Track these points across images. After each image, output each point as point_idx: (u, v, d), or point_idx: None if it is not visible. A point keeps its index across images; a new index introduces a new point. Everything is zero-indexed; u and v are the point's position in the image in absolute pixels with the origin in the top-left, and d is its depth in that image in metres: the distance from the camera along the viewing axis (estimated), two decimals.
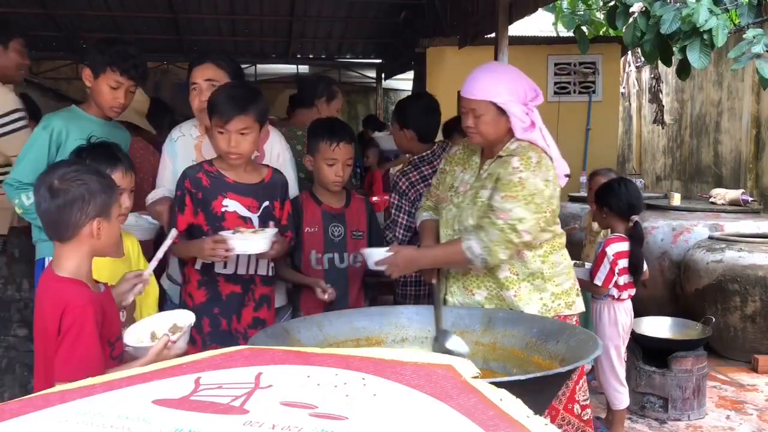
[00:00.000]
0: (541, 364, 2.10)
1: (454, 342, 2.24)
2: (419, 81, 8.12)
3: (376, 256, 2.47)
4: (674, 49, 4.84)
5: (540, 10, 5.16)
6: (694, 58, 4.63)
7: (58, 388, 1.00)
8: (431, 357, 1.03)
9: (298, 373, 1.03)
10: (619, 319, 3.61)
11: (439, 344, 2.26)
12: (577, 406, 2.44)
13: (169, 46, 9.07)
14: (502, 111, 2.38)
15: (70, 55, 9.02)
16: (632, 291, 3.67)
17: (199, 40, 8.79)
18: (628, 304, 3.68)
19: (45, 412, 0.92)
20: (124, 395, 0.97)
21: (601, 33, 7.44)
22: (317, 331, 2.21)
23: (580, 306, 2.50)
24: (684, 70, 4.90)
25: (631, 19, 5.13)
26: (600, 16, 7.37)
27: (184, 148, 2.80)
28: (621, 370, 3.64)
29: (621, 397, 3.61)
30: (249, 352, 1.10)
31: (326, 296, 2.70)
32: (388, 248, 2.51)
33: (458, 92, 2.54)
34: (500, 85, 2.39)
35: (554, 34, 8.22)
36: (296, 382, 1.00)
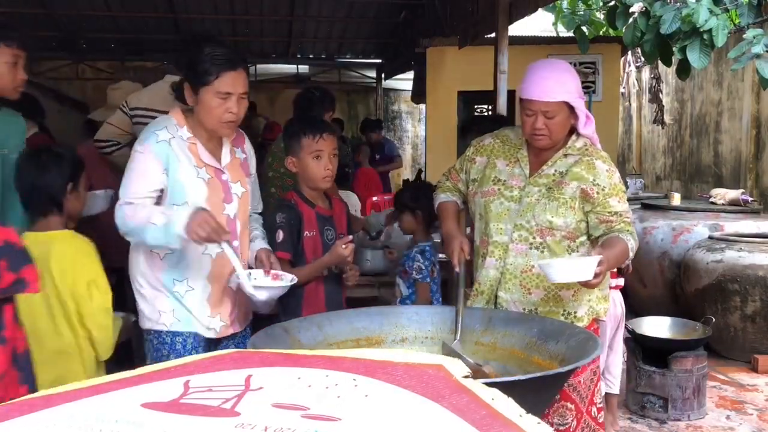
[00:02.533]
0: (541, 364, 2.09)
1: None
2: (419, 81, 8.11)
3: (585, 265, 2.13)
4: (674, 49, 4.83)
5: (540, 10, 5.15)
6: (694, 58, 4.61)
7: (43, 392, 0.99)
8: (422, 357, 1.02)
9: (288, 375, 1.02)
10: (614, 308, 3.64)
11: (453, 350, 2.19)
12: (594, 409, 2.44)
13: (169, 46, 9.06)
14: (571, 109, 2.37)
15: (70, 55, 9.02)
16: (620, 281, 3.71)
17: None
18: (616, 294, 3.70)
19: (30, 417, 0.91)
20: (112, 399, 0.96)
21: (601, 33, 7.43)
22: (317, 331, 2.20)
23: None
24: (684, 70, 4.89)
25: (631, 19, 5.12)
26: (600, 16, 7.36)
27: (181, 150, 2.34)
28: (614, 357, 3.67)
29: (610, 383, 3.65)
30: (238, 355, 1.09)
31: (350, 277, 2.71)
32: (593, 256, 2.17)
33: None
34: (569, 83, 2.36)
35: (554, 34, 8.22)
36: (287, 384, 0.99)
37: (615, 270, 3.56)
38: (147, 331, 2.42)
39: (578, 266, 2.14)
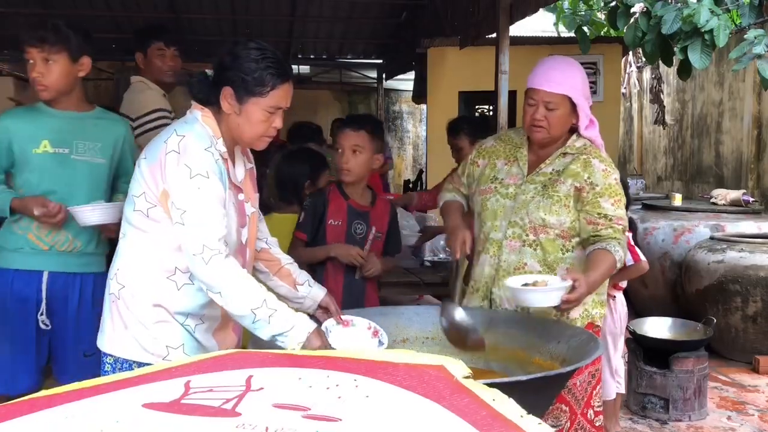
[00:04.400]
0: (543, 364, 2.09)
1: (460, 313, 2.19)
2: (420, 81, 8.11)
3: (552, 292, 2.09)
4: (675, 49, 4.83)
5: (541, 10, 5.14)
6: (695, 58, 4.61)
7: (45, 392, 0.99)
8: (423, 358, 1.02)
9: (289, 375, 1.02)
10: (617, 308, 3.63)
11: (447, 316, 2.19)
12: (591, 412, 2.42)
13: (180, 48, 9.05)
14: (573, 106, 2.36)
15: None
16: (623, 282, 3.70)
17: (200, 40, 8.79)
18: (620, 295, 3.70)
19: (33, 417, 0.91)
20: (113, 399, 0.96)
21: (602, 33, 7.42)
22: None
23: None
24: (685, 71, 4.89)
25: (632, 20, 5.12)
26: (601, 16, 7.36)
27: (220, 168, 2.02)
28: (615, 361, 3.66)
29: (608, 387, 3.63)
30: (239, 355, 1.09)
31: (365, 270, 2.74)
32: (565, 279, 2.13)
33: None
34: (576, 80, 2.37)
35: (555, 35, 8.21)
36: (288, 384, 0.99)
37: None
38: (134, 362, 2.04)
39: (544, 293, 2.10)
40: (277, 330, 1.86)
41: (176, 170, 1.92)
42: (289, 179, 3.22)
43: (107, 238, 2.74)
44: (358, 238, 2.79)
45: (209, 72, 2.07)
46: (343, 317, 2.18)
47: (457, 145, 4.04)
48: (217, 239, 1.90)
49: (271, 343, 1.87)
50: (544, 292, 2.11)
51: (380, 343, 2.17)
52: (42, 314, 2.64)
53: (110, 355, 2.11)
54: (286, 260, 2.30)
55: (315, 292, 2.24)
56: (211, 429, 0.89)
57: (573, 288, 2.08)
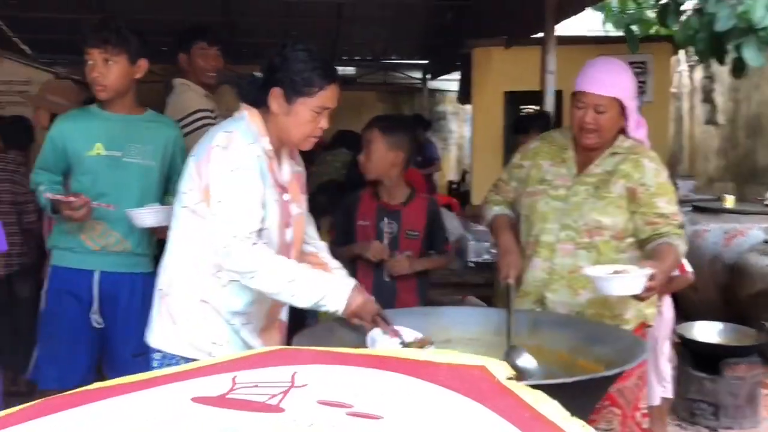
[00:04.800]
0: (587, 367, 2.06)
1: (525, 359, 2.14)
2: (465, 82, 8.08)
3: (636, 279, 2.07)
4: (728, 47, 4.71)
5: (588, 9, 5.08)
6: (751, 56, 4.49)
7: (97, 385, 1.03)
8: (465, 358, 1.03)
9: (332, 373, 1.03)
10: (663, 312, 3.56)
11: (509, 361, 2.15)
12: (638, 414, 2.41)
13: (223, 48, 9.23)
14: (622, 109, 2.34)
15: None
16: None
17: (250, 42, 8.93)
18: (668, 299, 3.62)
19: (87, 408, 0.94)
20: (163, 392, 0.99)
21: (651, 32, 7.28)
22: (360, 330, 2.21)
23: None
24: (739, 69, 4.76)
25: (683, 17, 5.01)
26: (651, 14, 7.22)
27: (265, 167, 2.08)
28: (663, 366, 3.59)
29: (654, 392, 3.55)
30: (283, 352, 1.11)
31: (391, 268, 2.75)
32: (643, 269, 2.10)
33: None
34: (626, 82, 2.35)
35: (603, 34, 8.09)
36: (331, 382, 1.00)
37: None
38: (181, 357, 2.10)
39: (628, 280, 2.09)
40: (317, 295, 1.93)
41: (218, 163, 1.98)
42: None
43: (156, 240, 2.78)
44: (389, 237, 2.81)
45: (258, 74, 2.11)
46: (389, 328, 2.13)
47: (525, 142, 4.01)
48: (248, 232, 1.94)
49: (319, 340, 1.90)
50: (629, 279, 2.08)
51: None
52: (95, 313, 2.70)
53: (158, 350, 2.16)
54: (335, 265, 2.31)
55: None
56: (257, 424, 0.91)
57: (652, 276, 2.06)
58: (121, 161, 2.68)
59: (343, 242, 2.86)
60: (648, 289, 2.07)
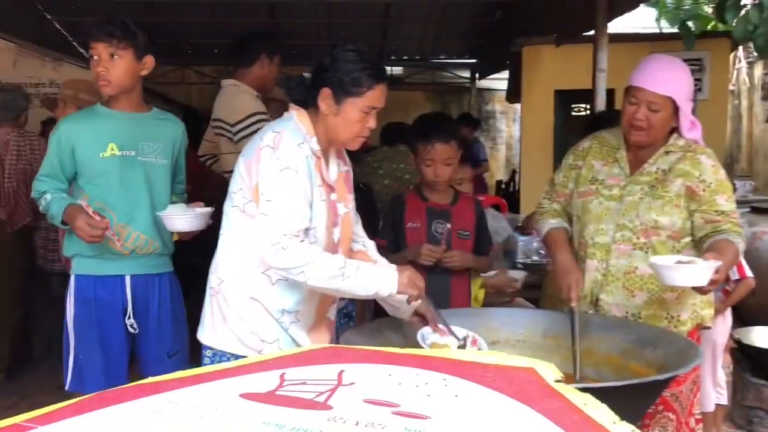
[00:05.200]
0: (638, 371, 2.03)
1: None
2: (514, 80, 8.00)
3: (702, 270, 2.03)
4: None
5: (642, 5, 4.98)
6: None
7: (152, 379, 1.05)
8: (513, 360, 1.02)
9: (379, 372, 1.04)
10: (726, 316, 3.47)
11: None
12: (692, 420, 2.35)
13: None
14: (675, 109, 2.29)
15: (176, 61, 9.46)
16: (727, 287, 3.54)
17: (298, 44, 9.02)
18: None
19: (140, 402, 0.97)
20: (214, 388, 1.01)
21: (708, 28, 7.10)
22: (408, 329, 2.21)
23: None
24: None
25: (742, 12, 4.86)
26: (707, 10, 7.04)
27: (313, 167, 2.11)
28: (720, 372, 3.50)
29: (709, 398, 3.46)
30: (331, 350, 1.12)
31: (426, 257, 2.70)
32: (708, 261, 2.05)
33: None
34: (682, 82, 2.31)
35: (657, 31, 7.91)
36: (378, 381, 1.01)
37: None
38: (232, 355, 2.11)
39: (695, 270, 2.04)
40: (367, 281, 1.99)
41: (267, 163, 2.00)
42: None
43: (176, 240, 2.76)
44: (441, 238, 2.77)
45: (307, 74, 2.14)
46: (440, 326, 2.17)
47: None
48: (296, 230, 1.98)
49: (367, 339, 1.92)
50: (695, 269, 2.04)
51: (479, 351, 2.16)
52: (129, 318, 2.65)
53: (210, 347, 2.19)
54: (384, 263, 2.31)
55: (406, 307, 2.20)
56: (304, 420, 0.92)
57: (717, 269, 2.02)
58: (136, 160, 2.61)
59: (394, 248, 2.80)
60: (712, 282, 2.02)
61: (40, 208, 2.61)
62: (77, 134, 2.59)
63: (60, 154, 2.58)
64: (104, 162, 2.57)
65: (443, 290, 2.77)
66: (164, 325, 2.71)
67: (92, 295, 2.63)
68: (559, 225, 2.51)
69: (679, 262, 2.09)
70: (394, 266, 2.08)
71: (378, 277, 2.02)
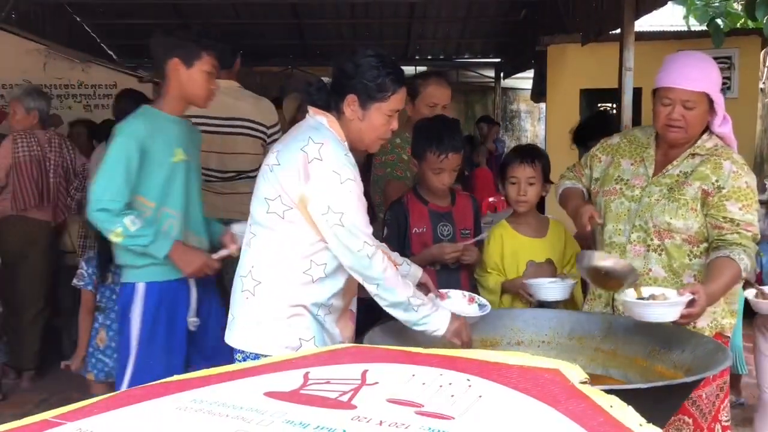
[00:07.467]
0: (665, 373, 2.01)
1: (599, 256, 2.21)
2: (540, 79, 7.95)
3: (670, 307, 2.02)
4: None
5: (669, 3, 4.92)
6: None
7: (177, 377, 1.07)
8: (538, 361, 1.01)
9: (403, 372, 1.04)
10: None
11: (585, 262, 2.22)
12: (718, 427, 2.29)
13: (294, 50, 9.43)
14: (710, 103, 2.26)
15: None
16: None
17: (322, 44, 9.07)
18: None
19: (165, 399, 0.98)
20: (237, 386, 1.01)
21: (738, 25, 6.99)
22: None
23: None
24: None
25: None
26: (737, 7, 6.93)
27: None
28: None
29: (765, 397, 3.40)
30: (355, 350, 1.12)
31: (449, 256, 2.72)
32: (684, 292, 2.04)
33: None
34: (714, 75, 2.27)
35: (685, 28, 7.81)
36: (401, 381, 1.01)
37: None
38: (264, 356, 2.08)
39: (662, 309, 2.01)
40: (424, 313, 2.09)
41: (326, 178, 2.04)
42: None
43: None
44: (446, 240, 2.76)
45: (326, 79, 2.19)
46: (440, 290, 2.40)
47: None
48: (371, 236, 2.10)
49: (391, 339, 1.94)
50: (663, 307, 2.02)
51: (480, 306, 2.36)
52: (191, 316, 2.68)
53: (241, 351, 2.20)
54: (400, 261, 2.42)
55: (414, 271, 2.42)
56: (328, 419, 0.92)
57: (693, 301, 2.00)
58: (191, 165, 2.68)
59: (400, 254, 2.79)
60: (686, 316, 2.01)
61: (120, 230, 2.45)
62: (148, 136, 2.52)
63: (129, 160, 2.47)
64: (175, 167, 2.59)
65: (454, 284, 2.78)
66: (214, 316, 2.76)
67: (164, 302, 2.64)
68: (573, 185, 2.58)
69: (652, 296, 2.08)
70: (449, 312, 2.15)
71: (433, 320, 2.11)
